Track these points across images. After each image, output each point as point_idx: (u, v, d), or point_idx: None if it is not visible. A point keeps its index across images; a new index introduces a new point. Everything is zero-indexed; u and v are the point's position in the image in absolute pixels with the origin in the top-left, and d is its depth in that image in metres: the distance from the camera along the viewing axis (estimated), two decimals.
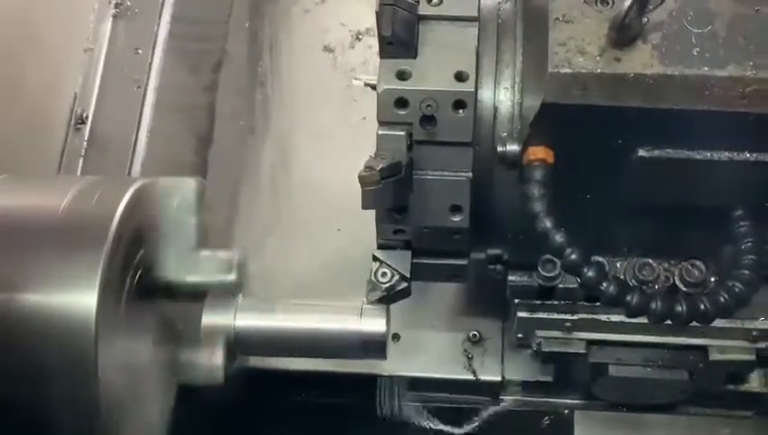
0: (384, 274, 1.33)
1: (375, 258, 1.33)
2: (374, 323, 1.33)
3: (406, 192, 1.23)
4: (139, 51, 1.81)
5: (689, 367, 1.47)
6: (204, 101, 1.83)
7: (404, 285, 1.33)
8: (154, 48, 1.82)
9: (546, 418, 1.65)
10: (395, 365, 1.60)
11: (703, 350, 1.45)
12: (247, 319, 1.35)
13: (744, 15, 1.13)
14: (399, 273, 1.33)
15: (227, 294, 1.35)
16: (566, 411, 1.64)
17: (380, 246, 1.33)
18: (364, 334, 1.33)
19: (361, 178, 1.16)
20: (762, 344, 1.43)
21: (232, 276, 1.34)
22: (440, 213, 1.26)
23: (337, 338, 1.34)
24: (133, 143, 1.74)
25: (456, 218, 1.26)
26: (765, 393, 1.57)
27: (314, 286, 1.66)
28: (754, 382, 1.58)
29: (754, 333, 1.41)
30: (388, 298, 1.33)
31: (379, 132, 1.22)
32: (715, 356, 1.44)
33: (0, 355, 1.13)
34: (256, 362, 1.51)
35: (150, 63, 1.80)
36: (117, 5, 1.85)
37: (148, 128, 1.75)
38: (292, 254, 1.69)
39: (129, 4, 1.85)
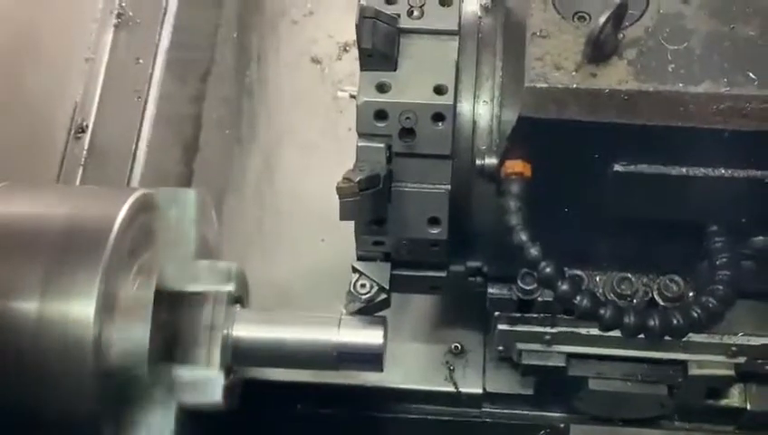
0: (363, 285, 1.33)
1: (354, 270, 1.34)
2: (372, 336, 1.34)
3: (384, 204, 1.24)
4: (141, 61, 1.82)
5: (669, 381, 1.48)
6: (191, 111, 1.83)
7: (383, 296, 1.34)
8: (155, 59, 1.83)
9: (542, 432, 1.65)
10: (376, 376, 1.60)
11: (682, 364, 1.45)
12: (246, 330, 1.35)
13: (719, 33, 1.13)
14: (379, 284, 1.33)
15: (226, 304, 1.35)
16: (562, 425, 1.64)
17: (360, 258, 1.34)
18: (362, 347, 1.34)
19: (339, 190, 1.17)
20: (740, 359, 1.44)
21: (230, 287, 1.36)
22: (418, 225, 1.27)
23: (335, 350, 1.35)
24: (133, 153, 1.75)
25: (435, 230, 1.27)
26: (744, 408, 1.57)
27: (298, 297, 1.67)
28: (734, 397, 1.59)
29: (733, 348, 1.42)
30: (368, 309, 1.34)
31: (359, 144, 1.22)
32: (694, 371, 1.45)
33: None
34: (251, 372, 1.51)
35: (151, 74, 1.81)
36: (119, 15, 1.86)
37: (148, 138, 1.76)
38: (275, 264, 1.69)
39: (130, 14, 1.87)
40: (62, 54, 1.76)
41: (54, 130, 1.74)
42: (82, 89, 1.79)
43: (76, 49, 1.81)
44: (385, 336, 1.35)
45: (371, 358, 1.36)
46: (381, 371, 1.38)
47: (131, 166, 1.74)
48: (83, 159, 1.74)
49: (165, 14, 1.88)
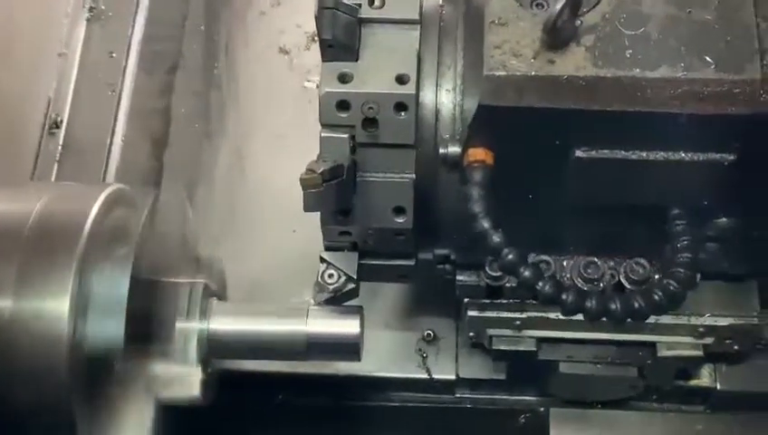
0: (331, 275, 1.34)
1: (322, 260, 1.34)
2: (349, 326, 1.35)
3: (349, 194, 1.25)
4: (114, 55, 1.81)
5: (638, 363, 1.49)
6: (159, 104, 1.83)
7: (351, 286, 1.34)
8: (128, 52, 1.82)
9: (522, 416, 1.66)
10: (349, 364, 1.60)
11: (651, 346, 1.47)
12: (222, 323, 1.35)
13: (676, 17, 1.14)
14: (346, 274, 1.34)
15: (202, 298, 1.35)
16: (542, 409, 1.65)
17: (327, 248, 1.34)
18: (339, 336, 1.35)
19: (303, 181, 1.17)
20: (708, 340, 1.45)
21: (206, 280, 1.36)
22: (384, 214, 1.27)
23: (312, 340, 1.35)
24: (108, 148, 1.74)
25: (400, 220, 1.27)
26: (714, 388, 1.59)
27: (270, 288, 1.67)
28: (704, 378, 1.60)
29: (701, 329, 1.44)
30: (336, 299, 1.34)
31: (322, 135, 1.23)
32: (663, 352, 1.46)
33: None
34: (230, 364, 1.51)
35: (125, 67, 1.81)
36: (91, 9, 1.85)
37: (122, 132, 1.75)
38: (247, 255, 1.69)
39: (103, 7, 1.86)
40: (34, 49, 1.75)
41: (28, 127, 1.73)
42: (56, 84, 1.78)
43: (48, 44, 1.79)
44: (361, 325, 1.36)
45: (349, 347, 1.36)
46: (359, 360, 1.39)
47: (106, 160, 1.73)
48: (58, 155, 1.73)
49: (137, 6, 1.87)
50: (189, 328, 1.33)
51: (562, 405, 1.64)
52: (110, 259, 1.22)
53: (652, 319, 1.39)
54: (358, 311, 1.37)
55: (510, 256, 1.15)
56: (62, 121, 1.76)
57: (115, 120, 1.76)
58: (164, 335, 1.31)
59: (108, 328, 1.19)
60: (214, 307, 1.36)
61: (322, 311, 1.36)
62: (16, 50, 1.69)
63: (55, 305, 1.12)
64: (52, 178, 1.71)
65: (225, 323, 1.36)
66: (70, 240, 1.15)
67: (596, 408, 1.63)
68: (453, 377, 1.64)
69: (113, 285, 1.21)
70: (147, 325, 1.28)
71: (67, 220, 1.19)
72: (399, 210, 1.27)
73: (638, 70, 1.11)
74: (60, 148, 1.74)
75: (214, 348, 1.35)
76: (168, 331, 1.32)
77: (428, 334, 1.65)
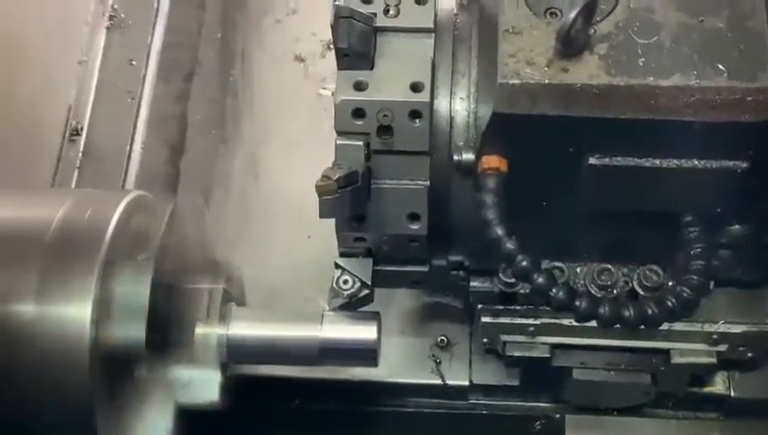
0: (346, 281, 1.35)
1: (337, 266, 1.36)
2: (366, 331, 1.36)
3: (364, 201, 1.26)
4: (133, 62, 1.84)
5: (652, 370, 1.49)
6: (176, 111, 1.85)
7: (366, 292, 1.35)
8: (148, 60, 1.84)
9: (537, 422, 1.67)
10: (363, 370, 1.61)
11: (665, 353, 1.47)
12: (241, 327, 1.36)
13: (688, 26, 1.15)
14: (361, 280, 1.35)
15: (221, 303, 1.36)
16: (557, 416, 1.65)
17: (342, 254, 1.36)
18: (356, 342, 1.36)
19: (318, 188, 1.18)
20: (722, 347, 1.45)
21: (225, 285, 1.37)
22: (398, 221, 1.28)
23: (330, 346, 1.36)
24: (127, 154, 1.76)
25: (415, 226, 1.28)
26: (728, 395, 1.59)
27: (284, 293, 1.68)
28: (718, 385, 1.60)
29: (715, 336, 1.43)
30: (351, 305, 1.35)
31: (337, 142, 1.24)
32: (676, 359, 1.46)
33: None
34: (248, 369, 1.52)
35: (144, 75, 1.83)
36: (111, 17, 1.88)
37: (142, 139, 1.77)
38: (262, 261, 1.70)
39: (122, 16, 1.88)
40: (54, 57, 1.78)
41: (49, 134, 1.76)
42: (76, 91, 1.81)
43: (69, 51, 1.82)
44: (379, 331, 1.36)
45: (366, 353, 1.37)
46: (376, 366, 1.40)
47: (126, 167, 1.75)
48: (78, 162, 1.76)
49: (157, 14, 1.89)
50: (209, 333, 1.34)
51: (578, 412, 1.64)
52: (131, 265, 1.24)
53: (665, 326, 1.39)
54: (375, 317, 1.37)
55: (523, 263, 1.16)
56: (82, 128, 1.79)
57: (134, 127, 1.79)
58: (184, 340, 1.33)
59: (129, 332, 1.21)
60: (233, 312, 1.37)
61: (340, 317, 1.37)
62: (38, 57, 1.71)
63: (77, 310, 1.14)
64: (73, 185, 1.74)
65: (244, 328, 1.37)
66: (91, 246, 1.17)
67: (611, 415, 1.63)
68: (466, 383, 1.64)
69: (134, 291, 1.23)
70: (167, 330, 1.30)
71: (89, 226, 1.20)
72: (414, 217, 1.28)
73: (651, 78, 1.12)
74: (80, 154, 1.77)
75: (233, 353, 1.36)
76: (188, 335, 1.33)
77: (442, 340, 1.66)
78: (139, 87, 1.82)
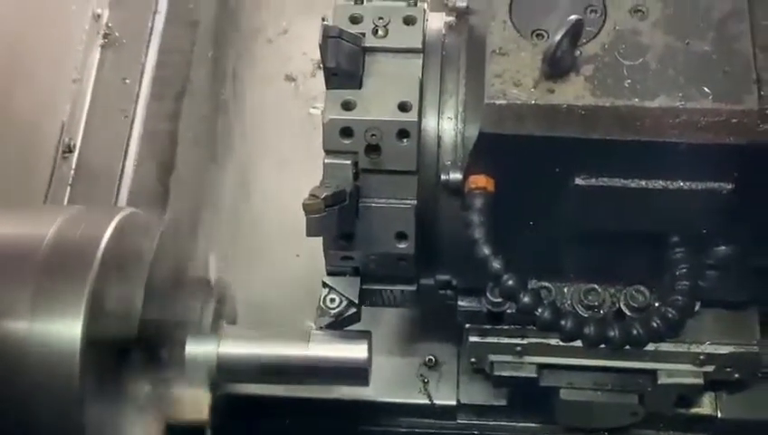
0: (333, 299, 1.35)
1: (324, 284, 1.36)
2: (357, 350, 1.36)
3: (351, 220, 1.26)
4: (127, 81, 1.84)
5: (638, 390, 1.49)
6: (166, 129, 1.85)
7: (352, 310, 1.35)
8: (141, 78, 1.85)
9: None
10: (351, 389, 1.61)
11: (652, 373, 1.47)
12: (232, 346, 1.37)
13: (674, 48, 1.16)
14: (348, 299, 1.35)
15: (212, 321, 1.37)
16: None
17: (330, 273, 1.36)
18: (347, 361, 1.36)
19: (305, 206, 1.18)
20: (709, 368, 1.45)
21: (216, 303, 1.38)
22: (386, 240, 1.29)
23: (321, 365, 1.36)
24: (120, 172, 1.77)
25: (402, 245, 1.29)
26: (715, 416, 1.59)
27: (273, 312, 1.68)
28: (706, 406, 1.61)
29: (701, 356, 1.44)
30: (337, 324, 1.36)
31: (325, 161, 1.24)
32: (663, 380, 1.46)
33: None
34: (239, 387, 1.52)
35: (138, 93, 1.84)
36: (105, 36, 1.90)
37: (134, 157, 1.77)
38: (251, 280, 1.71)
39: (116, 34, 1.89)
40: (49, 75, 1.78)
41: (42, 150, 1.76)
42: (69, 109, 1.82)
43: (63, 69, 1.83)
44: (369, 351, 1.36)
45: (357, 373, 1.37)
46: (367, 385, 1.40)
47: (118, 185, 1.76)
48: (71, 179, 1.77)
49: (151, 33, 1.90)
50: (200, 351, 1.35)
51: (569, 432, 1.64)
52: (123, 283, 1.24)
53: (652, 346, 1.39)
54: (366, 336, 1.37)
55: (510, 282, 1.16)
56: (75, 146, 1.80)
57: (127, 145, 1.79)
58: (174, 357, 1.33)
59: (119, 350, 1.21)
60: (224, 331, 1.38)
61: (331, 336, 1.37)
62: (32, 75, 1.72)
63: (68, 328, 1.14)
64: (65, 202, 1.75)
65: (235, 346, 1.37)
66: (83, 264, 1.17)
67: None
68: (454, 402, 1.64)
69: (126, 308, 1.24)
70: (158, 348, 1.30)
71: (81, 244, 1.21)
72: (401, 236, 1.28)
73: (636, 99, 1.13)
74: (72, 171, 1.77)
75: (223, 371, 1.36)
76: (179, 353, 1.33)
77: (430, 360, 1.66)
78: (132, 105, 1.83)
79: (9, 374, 1.15)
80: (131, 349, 1.23)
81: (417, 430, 1.68)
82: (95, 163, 1.78)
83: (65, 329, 1.14)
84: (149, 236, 1.30)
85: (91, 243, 1.19)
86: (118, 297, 1.22)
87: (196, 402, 1.35)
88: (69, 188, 1.76)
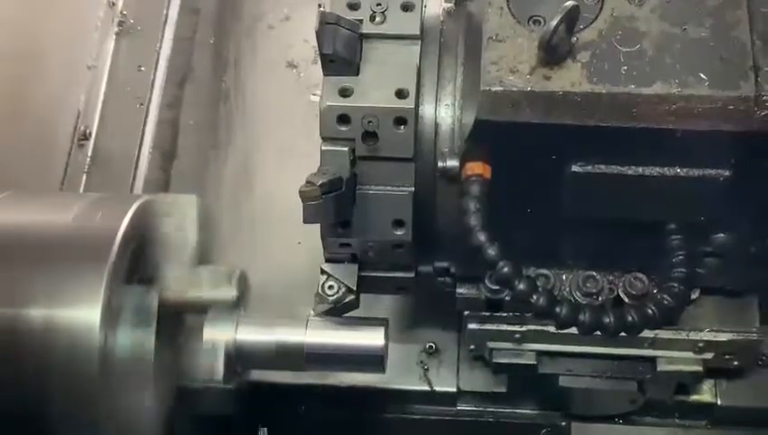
0: (331, 286, 1.35)
1: (323, 271, 1.36)
2: (373, 338, 1.36)
3: (348, 207, 1.26)
4: (142, 68, 1.85)
5: (638, 377, 1.49)
6: (168, 116, 1.85)
7: (351, 297, 1.35)
8: (156, 65, 1.86)
9: (544, 430, 1.67)
10: (351, 376, 1.62)
11: (651, 361, 1.47)
12: (249, 333, 1.37)
13: (671, 34, 1.15)
14: (346, 286, 1.35)
15: (229, 309, 1.37)
16: (563, 423, 1.65)
17: (328, 260, 1.36)
18: (363, 348, 1.36)
19: (302, 193, 1.19)
20: (707, 355, 1.45)
21: (232, 291, 1.38)
22: (383, 227, 1.29)
23: (338, 352, 1.37)
24: (136, 159, 1.77)
25: (399, 232, 1.29)
26: (715, 404, 1.59)
27: (274, 299, 1.68)
28: (705, 393, 1.61)
29: (700, 344, 1.44)
30: (336, 310, 1.36)
31: (323, 148, 1.24)
32: (662, 367, 1.46)
33: (5, 369, 1.16)
34: (255, 375, 1.52)
35: (153, 81, 1.84)
36: (120, 23, 1.90)
37: (150, 144, 1.78)
38: (252, 267, 1.69)
39: (131, 21, 1.90)
40: (64, 63, 1.79)
41: (58, 138, 1.77)
42: (85, 97, 1.82)
43: (78, 57, 1.84)
44: (386, 338, 1.37)
45: (373, 359, 1.37)
46: (384, 372, 1.39)
47: (134, 172, 1.77)
48: (87, 166, 1.78)
49: (166, 21, 1.90)
50: (217, 338, 1.35)
51: (584, 420, 1.64)
52: (141, 270, 1.24)
53: (651, 334, 1.40)
54: (383, 323, 1.38)
55: (505, 269, 1.16)
56: (90, 133, 1.81)
57: (143, 132, 1.80)
58: (192, 345, 1.34)
59: (138, 337, 1.22)
60: (241, 318, 1.38)
61: (348, 323, 1.37)
62: (47, 63, 1.73)
63: (87, 315, 1.15)
64: (81, 189, 1.76)
65: (252, 333, 1.37)
66: (101, 251, 1.18)
67: (618, 423, 1.63)
68: (454, 389, 1.64)
69: (143, 296, 1.25)
70: (176, 335, 1.30)
71: (99, 231, 1.21)
72: (399, 223, 1.29)
73: (633, 86, 1.13)
74: (88, 159, 1.78)
75: (240, 358, 1.37)
76: (197, 341, 1.34)
77: (430, 347, 1.66)
78: (147, 93, 1.83)
79: (28, 360, 1.15)
80: (149, 336, 1.23)
81: (417, 417, 1.68)
82: (111, 151, 1.79)
83: (83, 316, 1.15)
84: (167, 223, 1.30)
85: (109, 230, 1.20)
86: (135, 285, 1.23)
87: (213, 389, 1.35)
88: (85, 176, 1.77)
